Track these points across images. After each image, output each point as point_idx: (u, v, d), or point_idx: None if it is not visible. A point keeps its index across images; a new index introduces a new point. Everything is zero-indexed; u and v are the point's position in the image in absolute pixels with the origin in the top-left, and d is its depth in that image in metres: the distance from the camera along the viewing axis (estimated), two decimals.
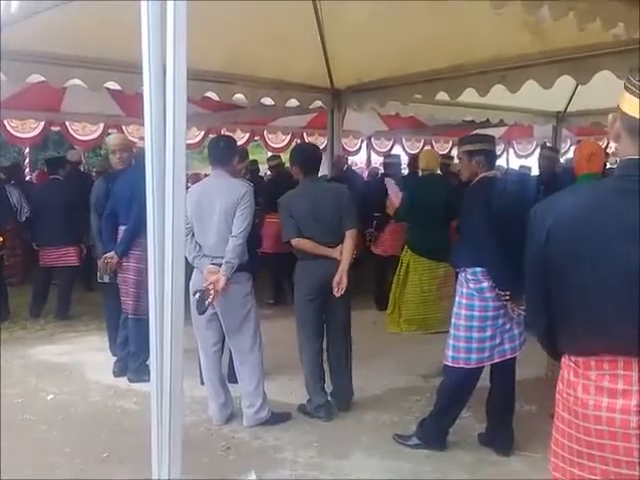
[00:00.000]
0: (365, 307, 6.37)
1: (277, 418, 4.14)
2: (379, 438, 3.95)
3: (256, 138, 12.76)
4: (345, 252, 4.16)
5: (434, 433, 3.78)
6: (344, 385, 4.37)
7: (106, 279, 5.28)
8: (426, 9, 4.72)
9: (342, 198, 4.29)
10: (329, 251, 4.16)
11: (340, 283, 4.11)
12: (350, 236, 4.19)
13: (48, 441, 3.90)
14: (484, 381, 3.74)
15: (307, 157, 4.41)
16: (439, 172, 6.79)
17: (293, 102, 7.96)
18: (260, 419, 4.08)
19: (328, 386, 4.36)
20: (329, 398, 4.32)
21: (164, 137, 3.08)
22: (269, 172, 9.28)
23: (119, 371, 5.05)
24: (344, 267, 4.13)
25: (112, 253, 5.06)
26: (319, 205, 4.18)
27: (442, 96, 6.35)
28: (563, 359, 1.83)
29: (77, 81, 6.97)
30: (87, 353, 5.51)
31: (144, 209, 4.70)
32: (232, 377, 4.37)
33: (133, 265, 4.97)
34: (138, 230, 4.86)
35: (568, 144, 12.27)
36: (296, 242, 4.20)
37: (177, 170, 3.04)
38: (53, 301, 7.01)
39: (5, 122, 10.59)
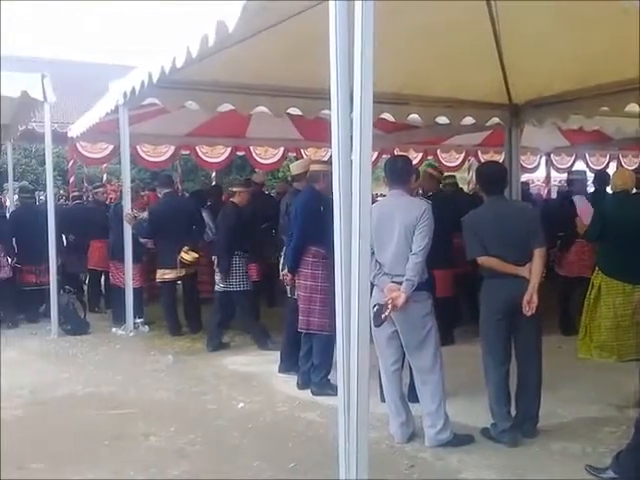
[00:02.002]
0: (549, 331, 6.03)
1: (460, 440, 4.06)
2: (569, 469, 3.72)
3: (429, 157, 12.75)
4: (535, 270, 4.01)
5: (633, 468, 3.49)
6: (531, 411, 4.18)
7: (289, 293, 5.56)
8: (613, 13, 4.46)
9: (529, 216, 4.19)
10: (517, 269, 4.03)
11: (530, 302, 3.97)
12: (539, 254, 4.04)
13: (239, 447, 4.13)
14: None
15: (492, 175, 4.34)
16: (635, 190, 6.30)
17: (468, 120, 7.87)
18: (442, 440, 4.03)
19: (512, 410, 4.20)
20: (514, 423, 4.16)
21: (350, 158, 3.20)
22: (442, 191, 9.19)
23: (303, 383, 5.23)
24: (534, 285, 3.99)
25: (286, 271, 5.40)
26: (505, 223, 4.08)
27: (633, 107, 5.96)
28: None
29: (263, 108, 7.43)
30: (272, 365, 5.77)
31: (306, 227, 4.99)
32: (412, 396, 4.36)
33: (302, 282, 5.21)
34: (301, 247, 5.15)
35: None
36: (482, 260, 4.13)
37: (363, 190, 3.13)
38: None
39: (197, 148, 11.53)
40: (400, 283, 3.94)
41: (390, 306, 3.85)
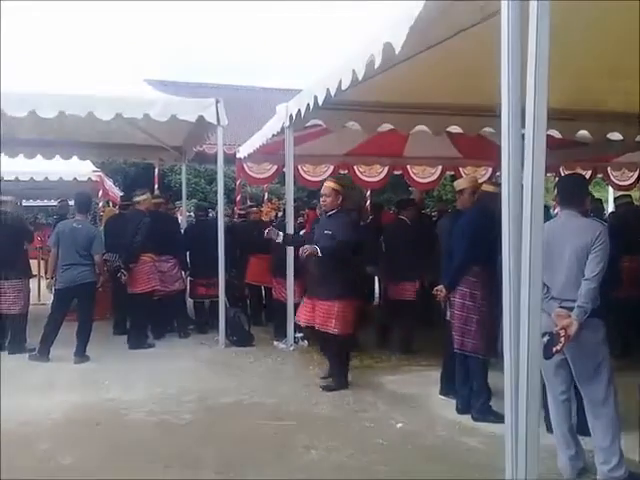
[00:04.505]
0: None
1: (636, 479, 3.76)
2: None
3: (599, 175, 12.05)
4: None
5: None
6: None
7: (448, 315, 5.46)
8: None
9: None
10: None
11: None
12: None
13: (399, 466, 4.10)
14: None
15: None
16: None
17: None
18: (616, 478, 3.73)
19: None
20: None
21: (520, 174, 3.10)
22: (614, 211, 8.65)
23: (462, 407, 5.11)
24: None
25: (441, 286, 5.30)
26: None
27: None
28: None
29: (422, 127, 7.43)
30: (430, 387, 5.69)
31: (472, 247, 4.87)
32: (582, 428, 4.10)
33: (459, 301, 5.12)
34: (464, 266, 5.07)
35: None
36: None
37: (535, 211, 3.02)
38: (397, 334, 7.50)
39: (355, 167, 11.73)
40: (569, 309, 3.73)
41: (563, 339, 3.64)
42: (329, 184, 6.07)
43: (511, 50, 3.09)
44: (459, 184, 5.84)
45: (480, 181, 6.44)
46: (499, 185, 4.99)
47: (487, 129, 7.66)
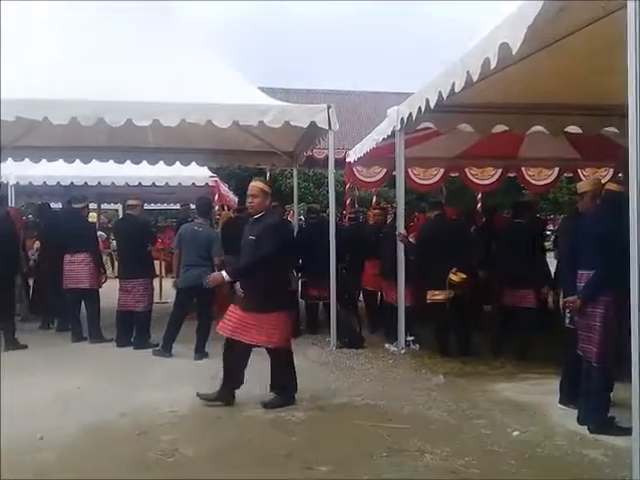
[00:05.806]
0: None
1: None
2: None
3: None
4: None
5: None
6: None
7: (567, 323, 5.26)
8: None
9: None
10: None
11: None
12: None
13: (517, 476, 4.01)
14: None
15: None
16: None
17: None
18: None
19: None
20: None
21: None
22: None
23: (584, 419, 4.85)
24: None
25: (574, 297, 4.92)
26: None
27: None
28: None
29: (539, 127, 7.24)
30: (549, 396, 5.49)
31: (613, 254, 4.56)
32: None
33: (600, 312, 4.73)
34: (607, 276, 4.68)
35: None
36: None
37: None
38: (511, 341, 7.32)
39: (466, 170, 11.55)
40: None
41: None
42: (256, 184, 5.51)
43: (638, 48, 2.98)
44: (582, 186, 5.63)
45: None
46: (622, 183, 4.76)
47: (609, 129, 7.36)
